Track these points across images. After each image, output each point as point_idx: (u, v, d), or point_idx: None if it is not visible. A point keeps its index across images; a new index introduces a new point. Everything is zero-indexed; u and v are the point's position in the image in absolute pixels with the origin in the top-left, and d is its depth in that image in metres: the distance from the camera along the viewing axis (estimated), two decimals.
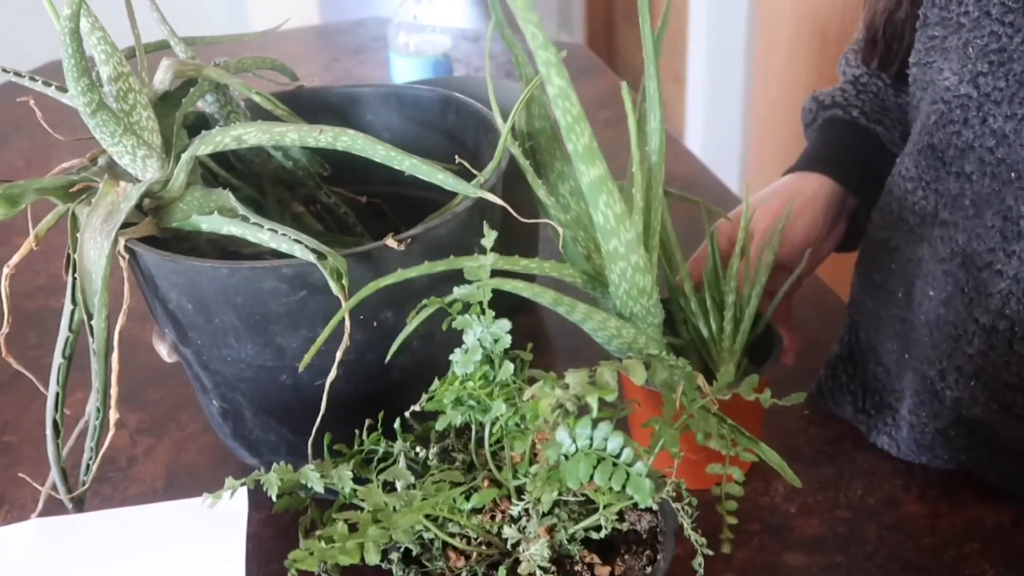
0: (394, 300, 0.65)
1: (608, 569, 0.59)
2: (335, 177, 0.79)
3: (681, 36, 2.40)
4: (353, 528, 0.55)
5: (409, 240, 0.62)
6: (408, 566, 0.60)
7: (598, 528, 0.58)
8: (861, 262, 0.80)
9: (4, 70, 0.67)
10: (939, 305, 0.70)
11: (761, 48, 2.20)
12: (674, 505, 0.58)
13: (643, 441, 0.59)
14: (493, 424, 0.60)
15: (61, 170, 0.68)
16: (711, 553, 0.58)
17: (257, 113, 0.76)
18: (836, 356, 0.83)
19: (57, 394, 0.66)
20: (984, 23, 0.64)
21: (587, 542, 0.60)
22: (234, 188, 0.71)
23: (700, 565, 0.57)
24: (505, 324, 0.59)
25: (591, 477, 0.53)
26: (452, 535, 0.59)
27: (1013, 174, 0.65)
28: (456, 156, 0.70)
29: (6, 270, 0.64)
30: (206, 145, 0.66)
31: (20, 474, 0.80)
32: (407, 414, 0.64)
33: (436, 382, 0.61)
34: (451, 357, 0.60)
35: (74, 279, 0.63)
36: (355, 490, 0.60)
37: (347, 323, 0.61)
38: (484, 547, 0.60)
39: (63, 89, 0.65)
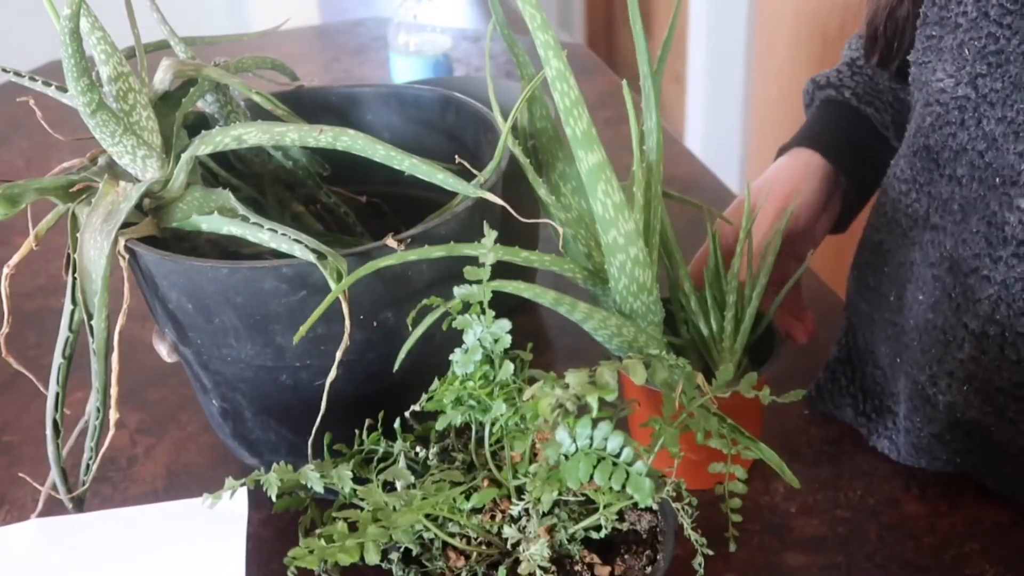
0: (394, 300, 0.65)
1: (608, 569, 0.59)
2: (335, 177, 0.79)
3: (681, 36, 2.40)
4: (353, 527, 0.55)
5: (409, 240, 0.62)
6: (408, 566, 0.60)
7: (598, 528, 0.58)
8: (856, 264, 0.80)
9: (4, 70, 0.67)
10: (928, 310, 0.70)
11: (761, 48, 2.20)
12: (674, 505, 0.58)
13: (643, 441, 0.59)
14: (493, 424, 0.60)
15: (61, 170, 0.68)
16: (711, 553, 0.58)
17: (257, 113, 0.76)
18: (835, 359, 0.83)
19: (57, 394, 0.66)
20: (982, 24, 0.64)
21: (587, 542, 0.60)
22: (234, 188, 0.71)
23: (700, 565, 0.57)
24: (505, 324, 0.59)
25: (591, 477, 0.53)
26: (452, 535, 0.59)
27: (999, 179, 0.65)
28: (456, 156, 0.70)
29: (6, 270, 0.64)
30: (206, 145, 0.66)
31: (20, 474, 0.80)
32: (407, 414, 0.64)
33: (436, 382, 0.61)
34: (451, 357, 0.60)
35: (74, 279, 0.63)
36: (355, 490, 0.60)
37: (347, 323, 0.61)
38: (484, 547, 0.60)
39: (63, 89, 0.66)
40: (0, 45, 1.93)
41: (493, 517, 0.60)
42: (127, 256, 0.64)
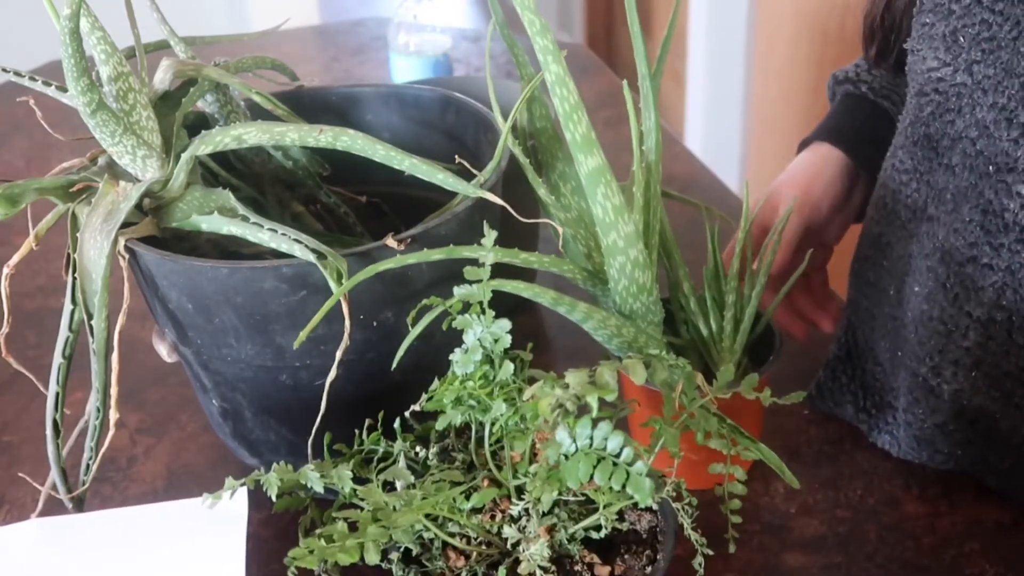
0: (394, 300, 0.65)
1: (608, 569, 0.59)
2: (335, 177, 0.79)
3: (681, 36, 2.40)
4: (353, 527, 0.55)
5: (409, 240, 0.62)
6: (408, 566, 0.60)
7: (598, 528, 0.58)
8: (856, 260, 0.81)
9: (4, 70, 0.67)
10: (922, 301, 0.71)
11: (761, 48, 2.20)
12: (674, 505, 0.58)
13: (643, 441, 0.59)
14: (493, 424, 0.60)
15: (61, 170, 0.68)
16: (711, 553, 0.58)
17: (257, 113, 0.76)
18: (834, 357, 0.83)
19: (57, 394, 0.66)
20: (975, 11, 0.64)
21: (587, 542, 0.60)
22: (234, 188, 0.71)
23: (700, 565, 0.57)
24: (505, 324, 0.59)
25: (591, 477, 0.53)
26: (452, 535, 0.59)
27: (991, 167, 0.65)
28: (456, 156, 0.70)
29: (6, 270, 0.64)
30: (206, 145, 0.66)
31: (20, 474, 0.80)
32: (407, 414, 0.64)
33: (436, 382, 0.61)
34: (451, 357, 0.60)
35: (74, 279, 0.63)
36: (355, 490, 0.60)
37: (347, 323, 0.61)
38: (484, 547, 0.60)
39: (63, 89, 0.66)
40: (0, 45, 1.93)
41: (493, 517, 0.60)
42: (127, 256, 0.64)
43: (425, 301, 0.61)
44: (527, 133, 0.73)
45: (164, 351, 0.72)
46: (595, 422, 0.53)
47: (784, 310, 0.87)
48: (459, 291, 0.59)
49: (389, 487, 0.61)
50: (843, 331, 0.83)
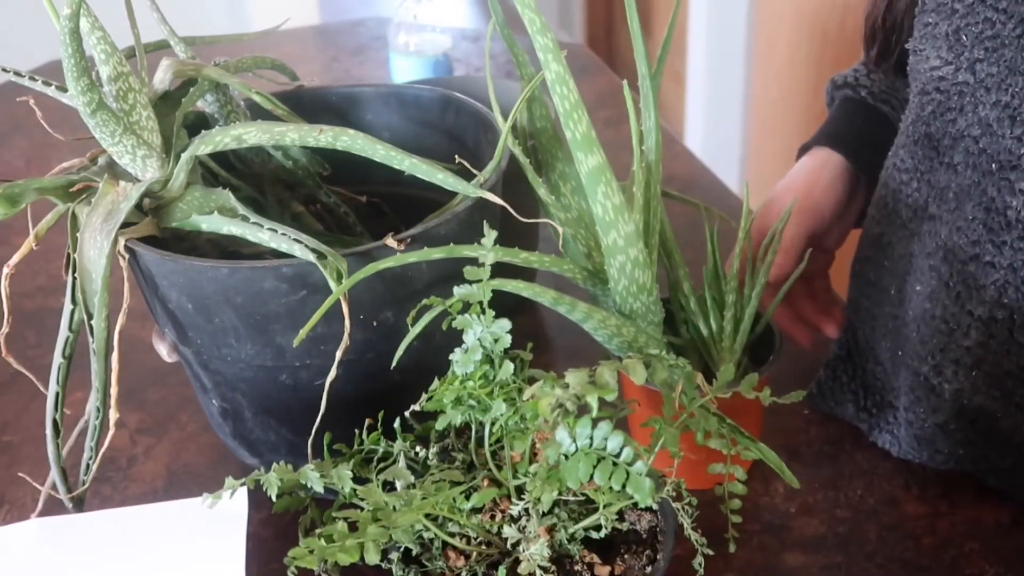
0: (394, 300, 0.65)
1: (608, 569, 0.59)
2: (335, 177, 0.79)
3: (681, 36, 2.40)
4: (353, 527, 0.55)
5: (409, 240, 0.62)
6: (408, 566, 0.60)
7: (598, 528, 0.58)
8: (857, 260, 0.81)
9: (4, 70, 0.67)
10: (925, 300, 0.71)
11: (761, 48, 2.20)
12: (674, 505, 0.58)
13: (643, 441, 0.59)
14: (493, 424, 0.60)
15: (61, 170, 0.68)
16: (711, 553, 0.58)
17: (257, 113, 0.76)
18: (835, 357, 0.83)
19: (57, 394, 0.66)
20: (979, 9, 0.64)
21: (587, 542, 0.60)
22: (234, 188, 0.71)
23: (700, 565, 0.57)
24: (505, 324, 0.59)
25: (591, 477, 0.53)
26: (452, 535, 0.59)
27: (994, 165, 0.65)
28: (456, 156, 0.70)
29: (6, 270, 0.64)
30: (206, 145, 0.66)
31: (20, 474, 0.80)
32: (407, 414, 0.64)
33: (436, 382, 0.61)
34: (451, 357, 0.60)
35: (74, 279, 0.63)
36: (355, 490, 0.60)
37: (347, 323, 0.61)
38: (484, 547, 0.60)
39: (63, 89, 0.66)
40: (0, 45, 1.93)
41: (493, 517, 0.60)
42: (127, 256, 0.64)
43: (425, 301, 0.61)
44: (527, 133, 0.73)
45: (164, 351, 0.72)
46: (595, 422, 0.53)
47: (788, 316, 0.87)
48: (459, 291, 0.59)
49: (389, 487, 0.61)
50: (844, 331, 0.83)
